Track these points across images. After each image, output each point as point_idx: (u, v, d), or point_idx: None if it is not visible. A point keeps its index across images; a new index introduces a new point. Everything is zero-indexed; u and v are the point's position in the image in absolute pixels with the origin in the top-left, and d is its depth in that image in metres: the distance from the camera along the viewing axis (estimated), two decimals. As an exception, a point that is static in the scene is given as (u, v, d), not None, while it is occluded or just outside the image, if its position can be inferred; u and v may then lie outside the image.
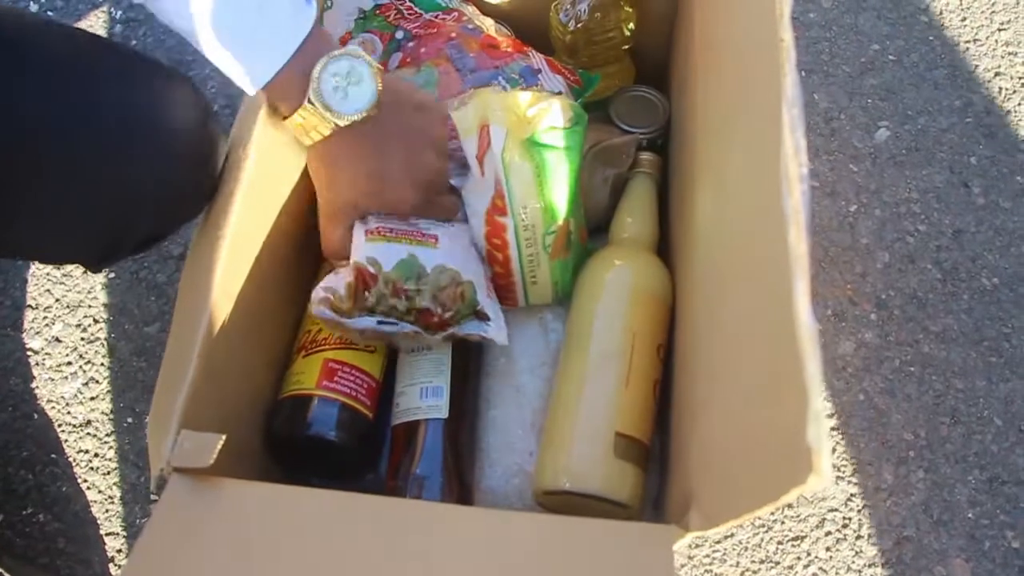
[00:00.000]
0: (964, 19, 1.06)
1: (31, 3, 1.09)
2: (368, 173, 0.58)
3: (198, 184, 0.59)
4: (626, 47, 0.78)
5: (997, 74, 1.01)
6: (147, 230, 0.61)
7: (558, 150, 0.63)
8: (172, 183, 0.58)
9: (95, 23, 1.07)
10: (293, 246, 0.67)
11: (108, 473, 0.80)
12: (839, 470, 0.79)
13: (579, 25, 0.74)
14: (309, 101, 0.52)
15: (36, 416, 0.82)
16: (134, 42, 1.05)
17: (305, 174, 0.67)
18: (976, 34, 1.04)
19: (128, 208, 0.58)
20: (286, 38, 0.52)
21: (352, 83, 0.54)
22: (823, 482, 0.32)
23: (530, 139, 0.62)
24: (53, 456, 0.81)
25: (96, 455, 0.80)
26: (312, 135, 0.55)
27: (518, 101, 0.63)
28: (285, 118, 0.55)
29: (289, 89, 0.53)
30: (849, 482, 0.78)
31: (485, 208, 0.65)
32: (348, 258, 0.60)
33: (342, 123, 0.54)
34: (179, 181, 0.58)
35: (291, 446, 0.64)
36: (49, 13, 1.08)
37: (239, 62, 0.51)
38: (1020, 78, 1.01)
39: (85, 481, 0.79)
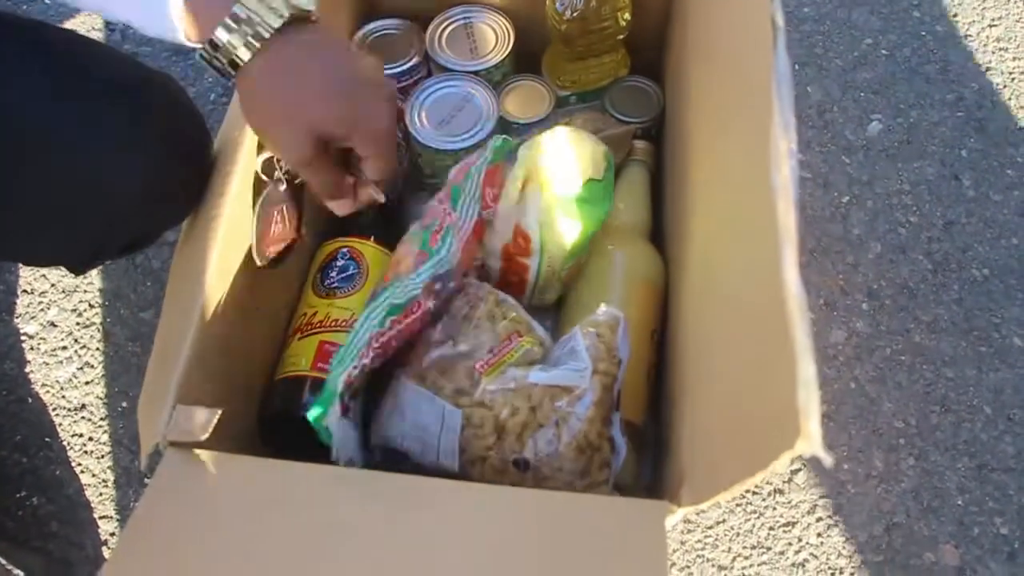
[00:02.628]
0: (956, 15, 1.06)
1: (28, -8, 1.09)
2: (331, 82, 0.51)
3: (186, 188, 0.59)
4: (621, 37, 0.79)
5: (988, 69, 1.02)
6: (134, 233, 0.61)
7: (594, 203, 0.66)
8: (160, 188, 0.58)
9: (94, 19, 1.07)
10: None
11: (102, 457, 0.80)
12: (830, 454, 0.79)
13: (575, 14, 0.74)
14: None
15: (30, 400, 0.82)
16: (131, 30, 1.05)
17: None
18: (967, 30, 1.05)
19: (115, 211, 0.57)
20: None
21: None
22: (812, 445, 0.33)
23: (570, 198, 0.65)
24: (47, 440, 0.81)
25: (90, 439, 0.81)
26: (248, 46, 0.48)
27: (555, 152, 0.64)
28: (202, 45, 0.48)
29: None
30: (840, 469, 0.79)
31: (501, 246, 0.66)
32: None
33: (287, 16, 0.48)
34: (167, 186, 0.58)
35: (285, 427, 0.64)
36: (46, 1, 1.08)
37: None
38: (1010, 73, 1.02)
39: (79, 465, 0.79)
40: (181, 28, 0.48)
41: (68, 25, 1.06)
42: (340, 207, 0.59)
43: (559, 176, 0.64)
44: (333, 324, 0.65)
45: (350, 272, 0.68)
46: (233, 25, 0.47)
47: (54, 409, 0.82)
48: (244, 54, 0.48)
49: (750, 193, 0.44)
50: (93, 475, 0.79)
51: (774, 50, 0.41)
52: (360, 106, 0.52)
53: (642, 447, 0.65)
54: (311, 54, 0.50)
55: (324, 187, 0.56)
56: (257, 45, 0.48)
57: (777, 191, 0.38)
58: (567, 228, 0.65)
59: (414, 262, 0.60)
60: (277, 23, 0.48)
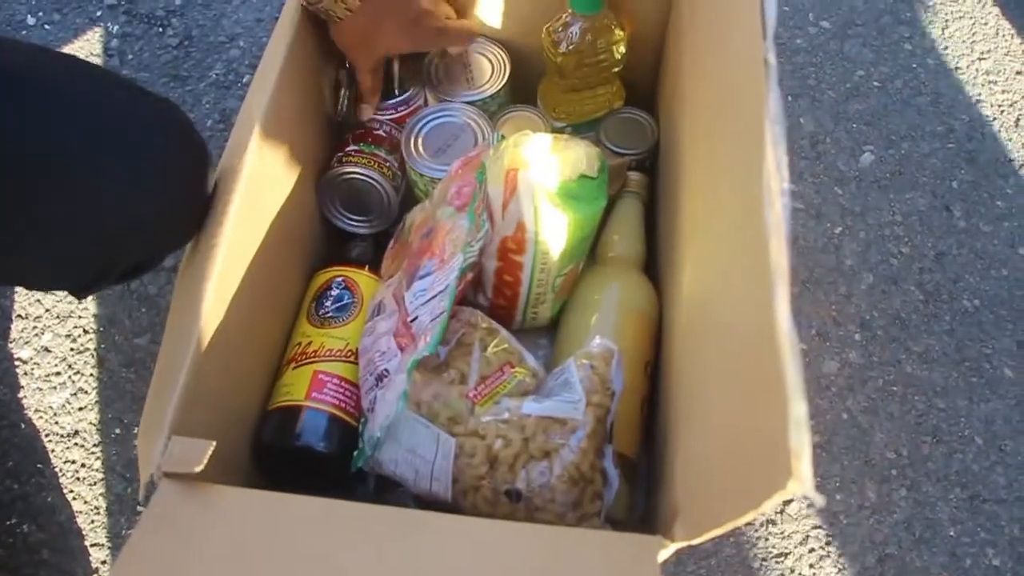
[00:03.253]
0: (946, 48, 1.08)
1: (28, 16, 1.09)
2: (399, 24, 0.71)
3: (188, 213, 0.59)
4: (616, 70, 0.80)
5: (978, 101, 1.04)
6: (135, 259, 0.61)
7: (588, 201, 0.64)
8: (162, 213, 0.58)
9: (92, 37, 1.08)
10: (285, 257, 0.68)
11: (94, 484, 0.79)
12: (822, 488, 0.79)
13: (571, 47, 0.75)
14: None
15: (23, 426, 0.82)
16: (130, 56, 1.06)
17: (298, 186, 0.68)
18: (958, 62, 1.07)
19: (118, 236, 0.58)
20: None
21: None
22: (803, 487, 0.33)
23: (563, 190, 0.63)
24: (39, 466, 0.80)
25: (83, 466, 0.80)
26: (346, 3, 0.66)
27: (547, 147, 0.63)
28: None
29: None
30: (832, 500, 0.79)
31: (496, 245, 0.66)
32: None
33: None
34: (169, 211, 0.58)
35: (280, 456, 0.64)
36: (46, 27, 1.09)
37: None
38: (999, 106, 1.03)
39: (71, 492, 0.79)
40: None
41: (67, 50, 1.06)
42: (365, 111, 0.77)
43: (550, 167, 0.63)
44: (328, 354, 0.65)
45: (345, 302, 0.68)
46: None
47: (47, 435, 0.82)
48: (341, 12, 0.67)
49: (743, 228, 0.44)
50: (85, 502, 0.79)
51: (766, 88, 0.42)
52: (414, 33, 0.72)
53: (635, 479, 0.65)
54: (381, 6, 0.68)
55: (370, 87, 0.75)
56: (351, 12, 0.67)
57: (770, 228, 0.38)
58: (560, 222, 0.64)
59: (464, 235, 0.62)
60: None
